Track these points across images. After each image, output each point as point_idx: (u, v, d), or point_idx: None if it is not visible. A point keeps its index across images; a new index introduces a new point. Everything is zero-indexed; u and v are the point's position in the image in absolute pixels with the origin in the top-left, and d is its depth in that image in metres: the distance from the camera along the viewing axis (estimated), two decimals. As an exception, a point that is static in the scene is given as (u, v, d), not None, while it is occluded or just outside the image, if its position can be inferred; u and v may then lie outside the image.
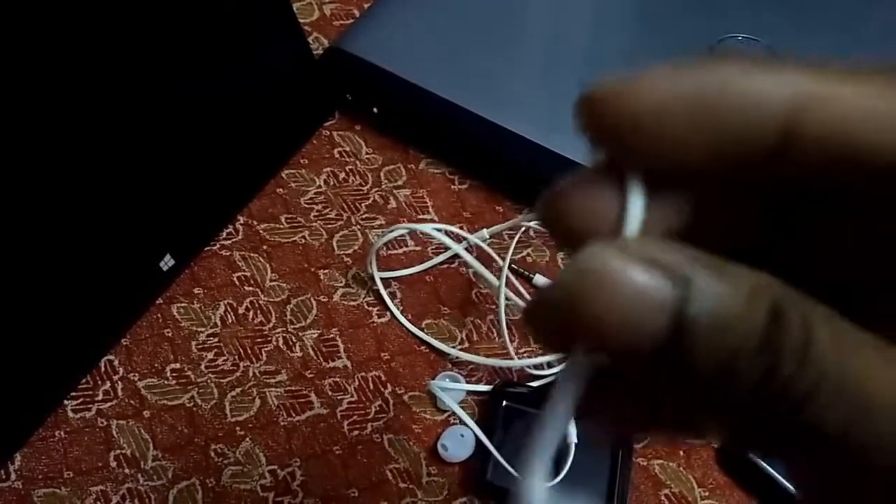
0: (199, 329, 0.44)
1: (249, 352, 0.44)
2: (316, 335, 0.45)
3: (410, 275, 0.47)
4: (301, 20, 0.52)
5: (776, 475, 0.28)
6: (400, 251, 0.48)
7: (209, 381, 0.43)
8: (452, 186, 0.51)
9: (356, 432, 0.42)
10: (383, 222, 0.49)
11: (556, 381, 0.14)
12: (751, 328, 0.12)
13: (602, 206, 0.14)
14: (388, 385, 0.43)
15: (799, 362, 0.12)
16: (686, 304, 0.12)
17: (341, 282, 0.47)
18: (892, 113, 0.12)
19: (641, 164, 0.14)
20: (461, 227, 0.48)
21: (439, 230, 0.45)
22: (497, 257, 0.47)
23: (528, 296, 0.45)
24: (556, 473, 0.39)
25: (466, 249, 0.46)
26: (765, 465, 0.28)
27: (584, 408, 0.15)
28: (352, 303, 0.46)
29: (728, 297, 0.13)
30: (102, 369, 0.42)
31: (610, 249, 0.13)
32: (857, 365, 0.13)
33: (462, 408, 0.42)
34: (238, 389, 0.42)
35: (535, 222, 0.48)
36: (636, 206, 0.14)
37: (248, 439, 0.41)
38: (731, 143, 0.13)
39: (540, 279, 0.47)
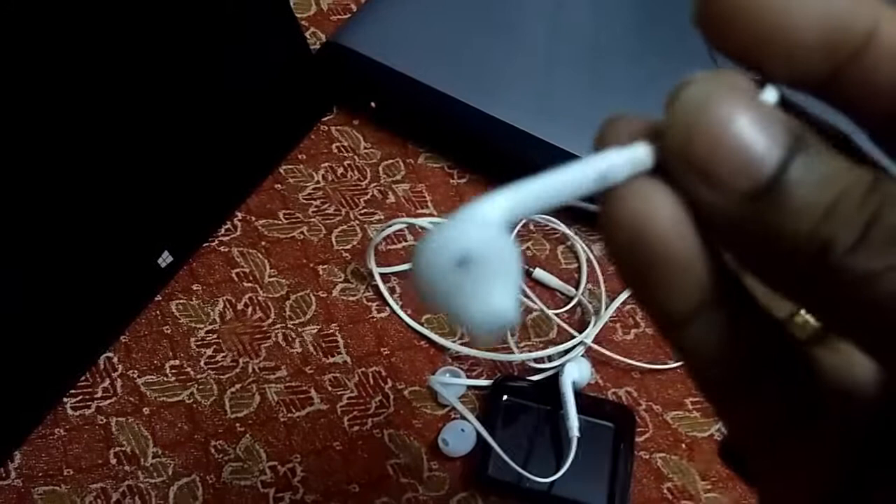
0: (198, 325, 0.44)
1: (249, 348, 0.44)
2: (315, 331, 0.44)
3: (409, 269, 0.47)
4: (298, 15, 0.52)
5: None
6: (399, 246, 0.48)
7: (209, 377, 0.42)
8: (451, 181, 0.51)
9: (356, 428, 0.42)
10: (382, 217, 0.49)
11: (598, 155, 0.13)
12: (857, 179, 0.12)
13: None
14: (389, 380, 0.43)
15: None
16: (797, 153, 0.12)
17: (340, 277, 0.46)
18: None
19: (757, 51, 0.14)
20: (460, 222, 0.48)
21: (437, 224, 0.45)
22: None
23: (528, 290, 0.45)
24: (559, 467, 0.39)
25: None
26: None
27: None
28: (351, 298, 0.46)
29: (836, 159, 0.13)
30: (101, 367, 0.42)
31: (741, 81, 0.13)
32: None
33: (462, 403, 0.41)
34: (237, 386, 0.42)
35: (535, 215, 0.47)
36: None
37: (248, 435, 0.41)
38: (835, 28, 0.13)
39: (540, 273, 0.47)
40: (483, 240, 0.12)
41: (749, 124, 0.13)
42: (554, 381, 0.42)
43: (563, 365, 0.42)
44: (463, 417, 0.41)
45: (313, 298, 0.46)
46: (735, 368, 0.15)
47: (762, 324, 0.15)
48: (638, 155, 0.13)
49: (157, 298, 0.45)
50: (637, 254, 0.13)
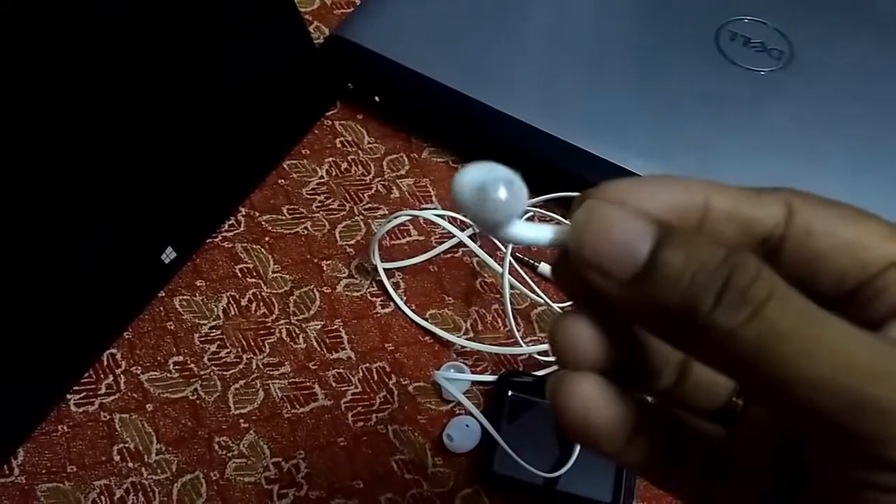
0: (202, 321, 0.44)
1: (252, 344, 0.43)
2: (319, 326, 0.44)
3: (414, 264, 0.46)
4: (301, 9, 0.52)
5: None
6: (403, 241, 0.47)
7: (212, 373, 0.42)
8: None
9: (361, 424, 0.41)
10: (386, 212, 0.49)
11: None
12: (713, 253, 0.16)
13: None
14: (393, 376, 0.43)
15: (755, 275, 0.15)
16: (663, 241, 0.16)
17: (344, 272, 0.46)
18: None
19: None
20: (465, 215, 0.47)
21: (442, 216, 0.45)
22: (501, 245, 0.46)
23: (532, 284, 0.45)
24: (564, 463, 0.38)
25: (470, 237, 0.45)
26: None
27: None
28: (355, 293, 0.45)
29: (696, 239, 0.16)
30: (105, 363, 0.42)
31: (609, 202, 0.17)
32: (800, 296, 0.16)
33: (467, 398, 0.41)
34: (241, 382, 0.42)
35: (540, 208, 0.47)
36: None
37: (251, 432, 0.41)
38: (677, 208, 0.18)
39: (545, 267, 0.46)
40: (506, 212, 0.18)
41: (622, 230, 0.17)
42: (559, 376, 0.41)
43: (568, 360, 0.42)
44: (468, 413, 0.41)
45: (317, 294, 0.45)
46: (662, 462, 0.20)
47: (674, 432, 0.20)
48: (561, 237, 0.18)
49: (160, 294, 0.44)
50: (582, 434, 0.18)
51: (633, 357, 0.19)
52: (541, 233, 0.18)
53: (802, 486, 0.18)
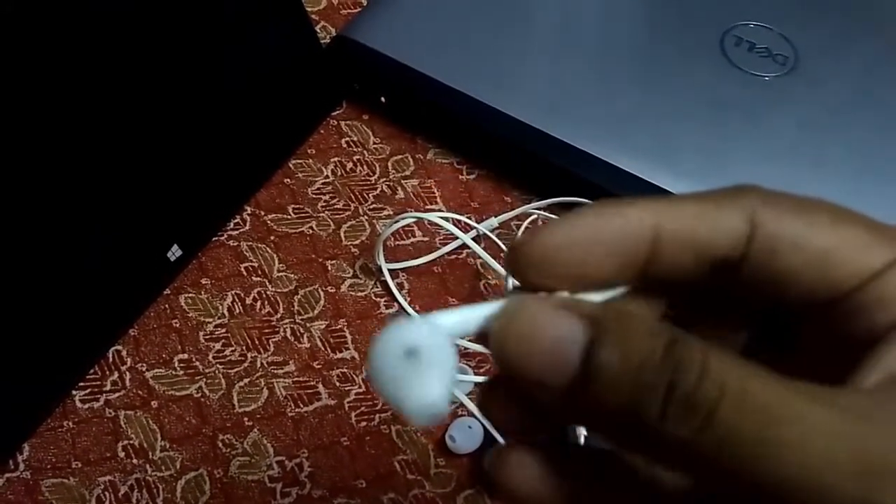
0: (207, 320, 0.44)
1: (257, 342, 0.44)
2: (324, 326, 0.44)
3: (418, 265, 0.47)
4: (308, 9, 0.52)
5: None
6: (408, 242, 0.48)
7: (217, 371, 0.42)
8: (461, 176, 0.51)
9: (364, 423, 0.42)
10: (391, 213, 0.49)
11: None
12: (652, 349, 0.14)
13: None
14: (396, 376, 0.43)
15: (700, 373, 0.14)
16: (598, 340, 0.14)
17: (349, 272, 0.46)
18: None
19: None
20: (469, 217, 0.48)
21: (446, 219, 0.45)
22: (505, 247, 0.47)
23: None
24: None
25: (474, 239, 0.45)
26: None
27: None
28: (359, 293, 0.46)
29: (636, 330, 0.14)
30: (110, 359, 0.42)
31: (532, 298, 0.16)
32: (756, 381, 0.14)
33: (470, 399, 0.41)
34: (246, 380, 0.42)
35: (544, 211, 0.47)
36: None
37: (255, 430, 0.41)
38: (621, 241, 0.17)
39: (549, 270, 0.46)
40: (429, 339, 0.15)
41: (548, 333, 0.15)
42: (562, 378, 0.42)
43: (571, 362, 0.42)
44: (470, 414, 0.41)
45: (322, 293, 0.45)
46: None
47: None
48: None
49: (165, 292, 0.45)
50: None
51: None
52: (469, 323, 0.16)
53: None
